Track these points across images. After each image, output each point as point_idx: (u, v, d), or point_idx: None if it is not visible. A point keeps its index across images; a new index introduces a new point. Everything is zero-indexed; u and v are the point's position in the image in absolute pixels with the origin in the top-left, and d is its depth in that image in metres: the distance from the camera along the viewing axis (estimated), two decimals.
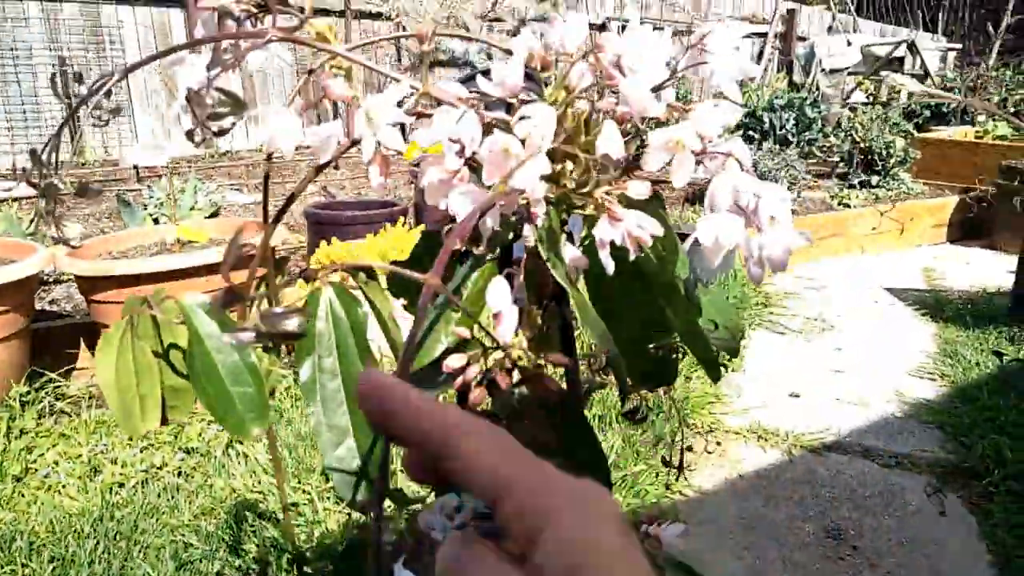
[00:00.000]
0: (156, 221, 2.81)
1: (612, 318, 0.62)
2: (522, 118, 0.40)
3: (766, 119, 4.54)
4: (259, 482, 1.71)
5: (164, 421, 0.71)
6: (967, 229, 4.05)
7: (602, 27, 7.26)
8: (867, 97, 6.88)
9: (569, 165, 0.46)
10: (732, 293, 2.81)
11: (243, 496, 1.67)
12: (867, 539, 1.65)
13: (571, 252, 0.54)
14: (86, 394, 2.06)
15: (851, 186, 4.24)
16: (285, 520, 0.74)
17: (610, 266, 0.50)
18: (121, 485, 1.72)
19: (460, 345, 0.52)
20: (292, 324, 0.39)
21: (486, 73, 0.49)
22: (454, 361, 0.51)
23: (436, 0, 4.06)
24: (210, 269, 1.96)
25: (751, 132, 4.57)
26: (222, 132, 0.39)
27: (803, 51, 7.17)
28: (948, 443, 1.99)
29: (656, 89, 0.43)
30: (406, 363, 0.42)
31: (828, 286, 3.31)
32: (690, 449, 1.97)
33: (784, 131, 4.52)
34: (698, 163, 0.48)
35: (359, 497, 0.62)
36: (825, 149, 5.09)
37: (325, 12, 5.98)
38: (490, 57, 4.13)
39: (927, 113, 5.59)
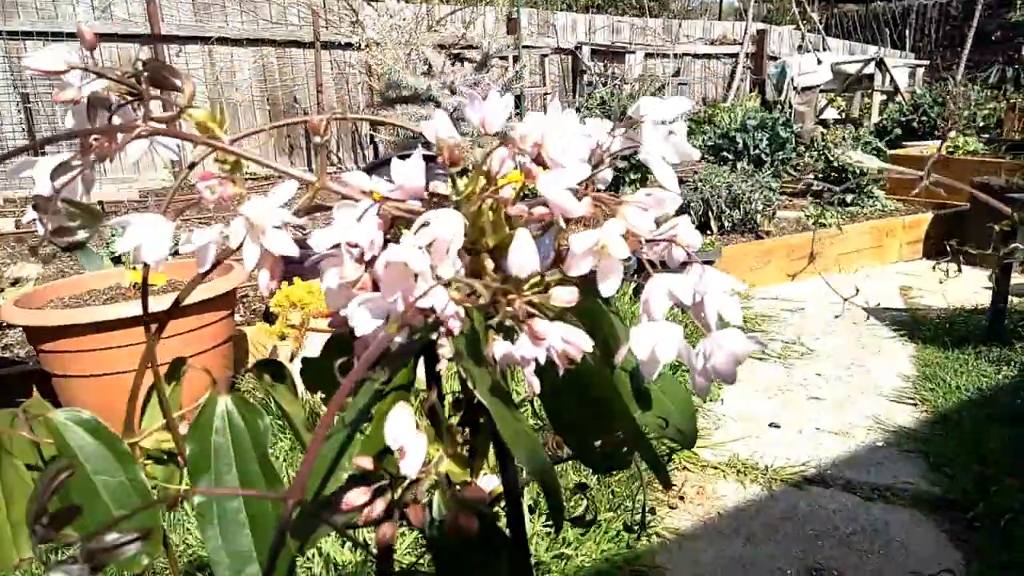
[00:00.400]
0: (118, 261, 2.73)
1: (555, 417, 0.57)
2: (423, 225, 0.35)
3: (739, 140, 4.53)
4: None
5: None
6: (941, 244, 4.04)
7: (574, 51, 7.27)
8: (839, 114, 6.93)
9: (490, 263, 0.41)
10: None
11: (198, 554, 1.59)
12: None
13: (502, 349, 0.49)
14: None
15: (827, 204, 4.23)
16: None
17: (535, 385, 0.45)
18: None
19: (367, 477, 0.46)
20: (129, 549, 0.33)
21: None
22: (354, 497, 0.45)
23: (402, 31, 4.02)
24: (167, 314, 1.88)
25: (725, 153, 4.56)
26: (73, 247, 0.33)
27: (774, 70, 7.21)
28: (931, 473, 1.94)
29: (585, 181, 0.39)
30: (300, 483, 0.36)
31: (805, 308, 3.28)
32: (661, 490, 1.91)
33: (758, 151, 4.51)
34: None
35: None
36: (799, 168, 5.09)
37: (297, 44, 5.94)
38: (452, 92, 4.10)
39: (897, 130, 5.63)
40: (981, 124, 5.61)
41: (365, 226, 0.36)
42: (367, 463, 0.46)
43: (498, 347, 0.52)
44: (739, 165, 4.43)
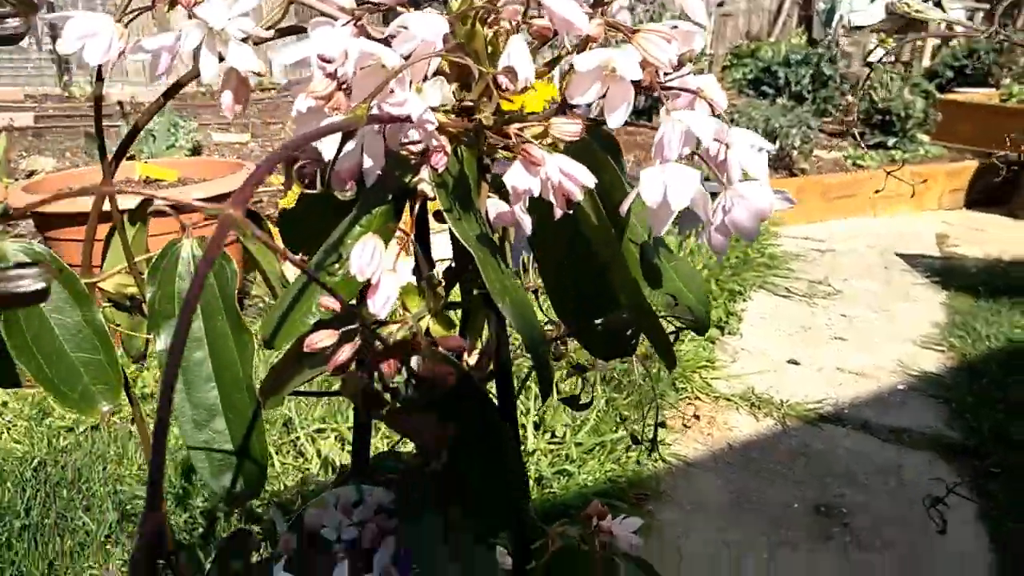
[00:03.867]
0: (131, 158, 2.68)
1: (556, 293, 0.50)
2: (401, 28, 0.29)
3: (781, 74, 4.34)
4: None
5: (17, 384, 0.59)
6: (986, 195, 3.88)
7: None
8: (890, 56, 6.63)
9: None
10: (734, 253, 2.67)
11: (179, 456, 1.57)
12: (859, 517, 1.54)
13: (495, 207, 0.42)
14: None
15: (867, 147, 4.06)
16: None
17: (526, 224, 0.39)
18: (70, 430, 1.63)
19: (337, 320, 0.41)
20: (28, 284, 0.27)
21: None
22: (319, 339, 0.39)
23: None
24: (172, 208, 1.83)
25: (765, 87, 4.39)
26: (8, 40, 0.27)
27: (824, 6, 6.90)
28: (952, 420, 1.87)
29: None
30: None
31: (836, 249, 3.17)
32: (674, 407, 1.87)
33: (799, 87, 4.33)
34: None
35: (231, 487, 0.51)
36: (841, 108, 4.89)
37: None
38: None
39: (949, 73, 5.37)
40: None
41: (338, 35, 0.30)
42: (332, 302, 0.40)
43: (491, 204, 0.45)
44: (779, 100, 4.25)
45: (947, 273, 2.88)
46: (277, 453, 1.61)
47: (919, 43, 6.49)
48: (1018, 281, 2.73)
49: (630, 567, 0.66)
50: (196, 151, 2.94)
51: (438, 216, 0.40)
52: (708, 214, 0.38)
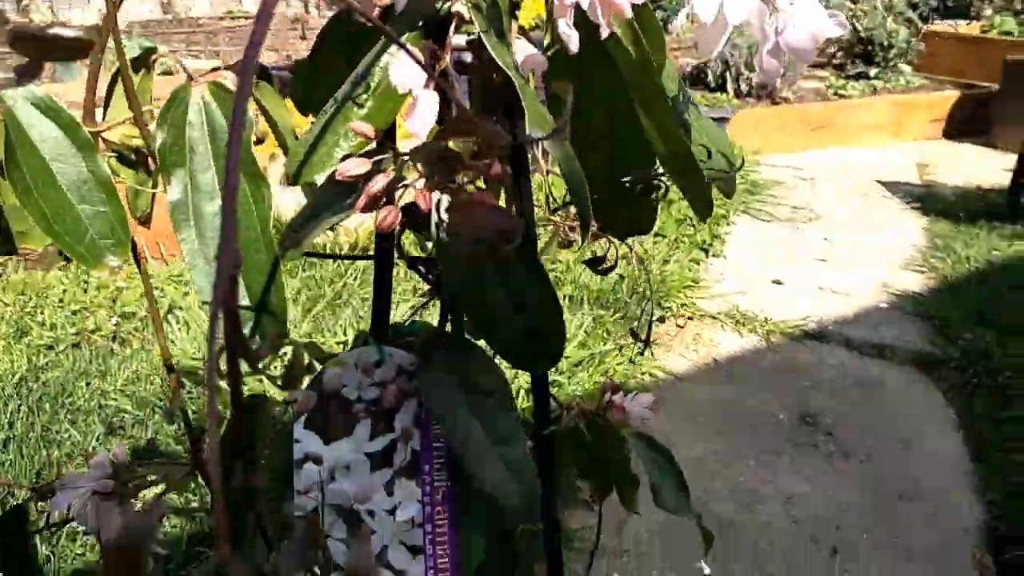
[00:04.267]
0: None
1: (579, 141, 0.48)
2: None
3: None
4: (199, 349, 1.60)
5: (12, 251, 0.56)
6: (966, 125, 3.88)
7: None
8: None
9: None
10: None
11: (183, 363, 1.55)
12: (841, 428, 1.57)
13: (525, 49, 0.40)
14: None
15: (848, 77, 4.04)
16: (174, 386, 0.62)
17: (573, 42, 0.37)
18: (50, 347, 1.60)
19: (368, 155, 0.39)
20: (69, 32, 0.25)
21: None
22: (351, 166, 0.37)
23: None
24: None
25: None
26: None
27: None
28: (933, 335, 1.90)
29: None
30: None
31: (817, 177, 3.17)
32: (660, 323, 1.87)
33: None
34: None
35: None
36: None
37: None
38: None
39: (933, 1, 5.33)
40: (1020, 7, 5.31)
41: None
42: (366, 128, 0.38)
43: (520, 47, 0.43)
44: None
45: (927, 199, 2.89)
46: None
47: None
48: (995, 207, 2.75)
49: (638, 445, 0.67)
50: (167, 75, 2.84)
51: None
52: (765, 31, 0.36)
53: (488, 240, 0.35)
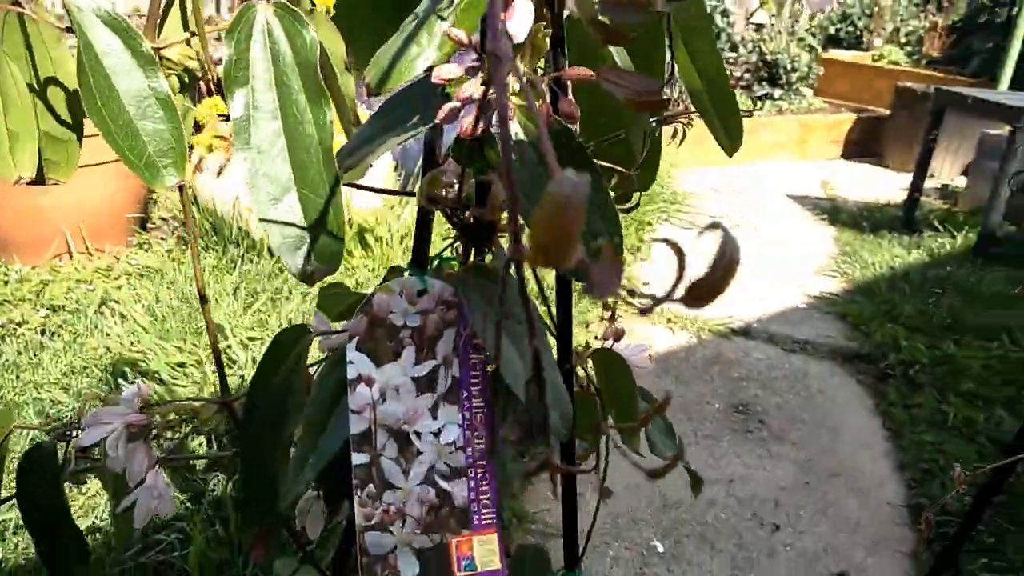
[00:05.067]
0: None
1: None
2: None
3: None
4: (138, 341, 1.54)
5: (41, 180, 0.55)
6: (860, 147, 4.16)
7: None
8: (769, 18, 6.93)
9: None
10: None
11: (120, 355, 1.50)
12: (773, 415, 1.66)
13: None
14: None
15: (756, 97, 4.26)
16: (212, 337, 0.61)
17: None
18: None
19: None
20: None
21: None
22: (447, 71, 0.39)
23: None
24: None
25: None
26: None
27: None
28: (848, 331, 2.03)
29: None
30: None
31: (733, 190, 3.33)
32: (593, 328, 1.93)
33: None
34: None
35: (304, 264, 0.50)
36: (731, 61, 5.09)
37: None
38: None
39: (832, 31, 5.69)
40: (903, 40, 5.74)
41: None
42: (460, 34, 0.40)
43: None
44: None
45: (833, 212, 3.08)
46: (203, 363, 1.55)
47: (797, 6, 6.82)
48: (894, 219, 2.96)
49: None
50: None
51: None
52: None
53: (643, 95, 0.38)
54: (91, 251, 1.85)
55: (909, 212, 2.90)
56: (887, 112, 4.08)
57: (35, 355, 1.49)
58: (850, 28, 5.87)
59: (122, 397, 0.55)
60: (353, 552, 0.63)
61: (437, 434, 0.52)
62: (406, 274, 0.54)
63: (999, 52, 3.87)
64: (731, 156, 0.51)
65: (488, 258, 0.64)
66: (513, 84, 0.41)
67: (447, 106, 0.40)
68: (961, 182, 3.33)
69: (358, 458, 0.50)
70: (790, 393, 1.76)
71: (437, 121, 0.41)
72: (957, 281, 2.28)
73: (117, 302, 1.65)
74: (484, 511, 0.53)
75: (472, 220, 0.65)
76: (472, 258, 0.60)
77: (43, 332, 1.57)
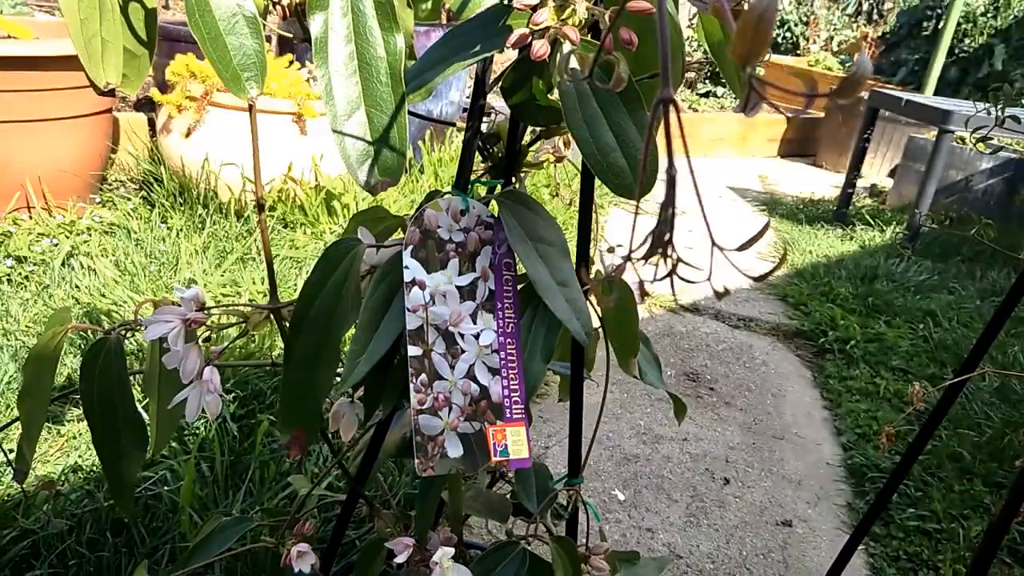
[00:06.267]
0: None
1: None
2: None
3: None
4: (111, 293, 1.55)
5: (112, 92, 0.59)
6: (796, 146, 4.35)
7: None
8: None
9: None
10: None
11: (93, 305, 1.50)
12: (721, 383, 1.77)
13: None
14: None
15: (700, 94, 4.41)
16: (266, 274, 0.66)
17: None
18: None
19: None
20: None
21: None
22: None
23: None
24: (31, 63, 1.70)
25: None
26: None
27: None
28: (789, 310, 2.16)
29: None
30: None
31: (677, 180, 3.44)
32: None
33: None
34: None
35: (368, 175, 0.56)
36: None
37: None
38: None
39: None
40: (836, 48, 6.00)
41: None
42: None
43: None
44: None
45: (771, 204, 3.24)
46: None
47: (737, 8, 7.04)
48: (827, 214, 3.13)
49: None
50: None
51: None
52: None
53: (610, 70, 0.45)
54: (52, 208, 1.83)
55: (842, 207, 3.07)
56: (821, 115, 4.29)
57: (2, 304, 1.48)
58: (787, 34, 6.10)
59: (182, 297, 0.59)
60: (379, 457, 0.69)
61: (477, 337, 0.58)
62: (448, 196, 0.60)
63: (925, 63, 4.10)
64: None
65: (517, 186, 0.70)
66: (579, 16, 0.48)
67: (518, 32, 0.47)
68: (888, 183, 3.53)
69: (413, 350, 0.56)
70: (736, 364, 1.87)
71: (509, 46, 0.47)
72: (887, 270, 2.44)
73: (86, 255, 1.65)
74: (515, 406, 0.60)
75: (500, 154, 0.72)
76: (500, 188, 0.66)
77: (8, 281, 1.56)
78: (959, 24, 4.20)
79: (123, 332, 0.58)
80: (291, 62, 2.02)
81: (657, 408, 1.62)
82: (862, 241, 2.78)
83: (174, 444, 1.14)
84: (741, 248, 0.26)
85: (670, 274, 0.29)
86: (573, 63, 0.48)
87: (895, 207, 3.20)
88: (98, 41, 0.52)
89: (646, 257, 0.30)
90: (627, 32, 0.47)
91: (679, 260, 0.28)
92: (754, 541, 1.28)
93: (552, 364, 0.83)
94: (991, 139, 1.01)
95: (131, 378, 0.64)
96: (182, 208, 1.90)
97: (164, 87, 1.93)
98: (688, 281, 0.27)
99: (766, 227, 0.25)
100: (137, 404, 0.63)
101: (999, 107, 0.71)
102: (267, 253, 0.62)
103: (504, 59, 0.60)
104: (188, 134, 1.85)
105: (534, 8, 0.46)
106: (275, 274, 1.70)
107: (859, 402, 1.72)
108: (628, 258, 0.28)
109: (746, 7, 0.22)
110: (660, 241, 0.29)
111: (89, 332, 1.03)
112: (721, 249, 0.28)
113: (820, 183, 3.71)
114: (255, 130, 0.59)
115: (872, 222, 2.98)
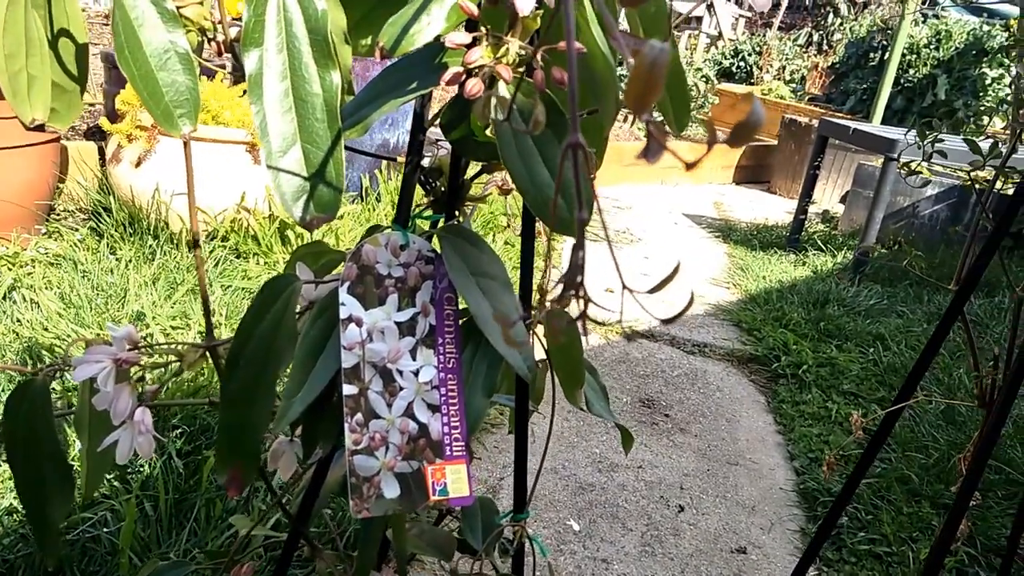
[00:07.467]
0: None
1: None
2: None
3: None
4: (54, 327, 1.51)
5: (41, 127, 0.58)
6: (750, 173, 4.43)
7: None
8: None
9: None
10: None
11: (33, 340, 1.46)
12: (676, 409, 1.78)
13: None
14: None
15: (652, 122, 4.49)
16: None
17: None
18: None
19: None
20: None
21: None
22: (459, 37, 0.46)
23: None
24: None
25: None
26: None
27: None
28: (743, 336, 2.19)
29: None
30: None
31: (633, 207, 3.49)
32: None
33: None
34: None
35: (304, 212, 0.55)
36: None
37: None
38: None
39: (725, 64, 6.03)
40: (788, 77, 6.15)
41: None
42: (471, 6, 0.46)
43: None
44: None
45: (725, 230, 3.29)
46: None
47: (692, 41, 7.19)
48: (780, 240, 3.19)
49: None
50: None
51: None
52: None
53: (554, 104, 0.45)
54: None
55: (795, 233, 3.13)
56: (774, 142, 4.38)
57: None
58: (741, 63, 6.24)
59: (114, 336, 0.57)
60: (320, 495, 0.67)
61: (416, 373, 0.58)
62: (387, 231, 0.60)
63: (872, 92, 4.22)
64: (678, 134, 0.59)
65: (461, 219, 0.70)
66: (512, 55, 0.48)
67: (452, 70, 0.47)
68: (840, 208, 3.61)
69: (348, 389, 0.55)
70: (691, 390, 1.88)
71: (442, 84, 0.48)
72: (838, 295, 2.49)
73: (29, 287, 1.61)
74: (455, 443, 0.59)
75: (443, 188, 0.72)
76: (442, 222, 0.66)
77: None
78: (904, 55, 4.34)
79: (52, 373, 0.57)
80: (244, 92, 2.00)
81: (613, 436, 1.62)
82: (814, 266, 2.84)
83: (115, 483, 1.11)
84: (652, 291, 0.26)
85: (581, 316, 0.29)
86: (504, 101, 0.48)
87: (846, 232, 3.27)
88: (24, 76, 0.52)
89: (559, 301, 0.29)
90: (559, 71, 0.47)
91: (588, 301, 0.28)
92: (709, 569, 1.28)
93: (498, 397, 0.83)
94: (932, 169, 1.04)
95: (65, 419, 0.62)
96: (132, 239, 1.87)
97: (114, 116, 1.90)
98: (602, 313, 0.27)
99: (675, 272, 0.25)
100: (68, 447, 0.61)
101: (927, 142, 0.73)
102: (203, 291, 0.61)
103: (445, 95, 0.60)
104: (138, 164, 1.82)
105: (468, 46, 0.46)
106: (225, 306, 1.68)
107: (811, 426, 1.74)
108: (575, 290, 0.28)
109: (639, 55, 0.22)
110: (572, 284, 0.28)
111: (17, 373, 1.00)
112: (632, 291, 0.27)
113: (774, 209, 3.78)
114: (190, 166, 0.58)
115: (824, 247, 3.04)
